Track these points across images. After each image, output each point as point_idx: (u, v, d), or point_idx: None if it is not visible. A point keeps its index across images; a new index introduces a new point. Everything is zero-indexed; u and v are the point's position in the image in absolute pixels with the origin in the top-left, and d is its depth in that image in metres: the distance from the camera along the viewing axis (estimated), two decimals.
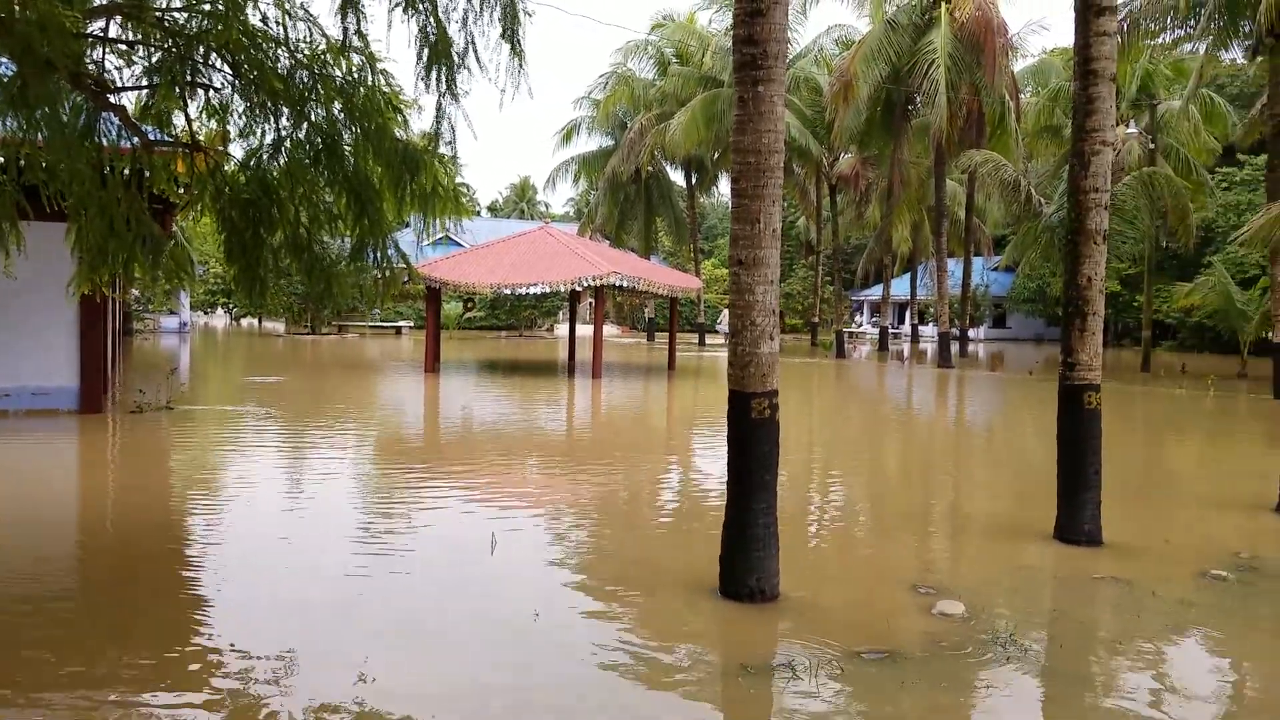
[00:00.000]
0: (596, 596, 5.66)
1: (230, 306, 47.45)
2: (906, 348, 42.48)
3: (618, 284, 20.79)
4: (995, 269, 48.90)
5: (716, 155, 37.64)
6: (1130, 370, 28.03)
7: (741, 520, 5.40)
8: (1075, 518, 6.95)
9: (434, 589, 5.71)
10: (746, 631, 5.09)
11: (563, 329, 44.89)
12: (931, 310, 41.33)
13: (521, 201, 73.71)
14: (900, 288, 49.45)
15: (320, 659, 4.51)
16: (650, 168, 40.27)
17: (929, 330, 45.73)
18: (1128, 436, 14.09)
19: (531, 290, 20.68)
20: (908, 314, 48.67)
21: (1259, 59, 21.99)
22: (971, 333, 42.71)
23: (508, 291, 21.24)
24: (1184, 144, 28.53)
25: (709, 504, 8.30)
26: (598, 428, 14.54)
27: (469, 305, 38.81)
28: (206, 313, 50.45)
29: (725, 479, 5.56)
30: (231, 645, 4.63)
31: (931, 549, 7.19)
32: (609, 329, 50.11)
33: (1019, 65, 31.15)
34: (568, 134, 41.73)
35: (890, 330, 44.45)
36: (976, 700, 4.29)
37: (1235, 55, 25.10)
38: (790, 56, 35.25)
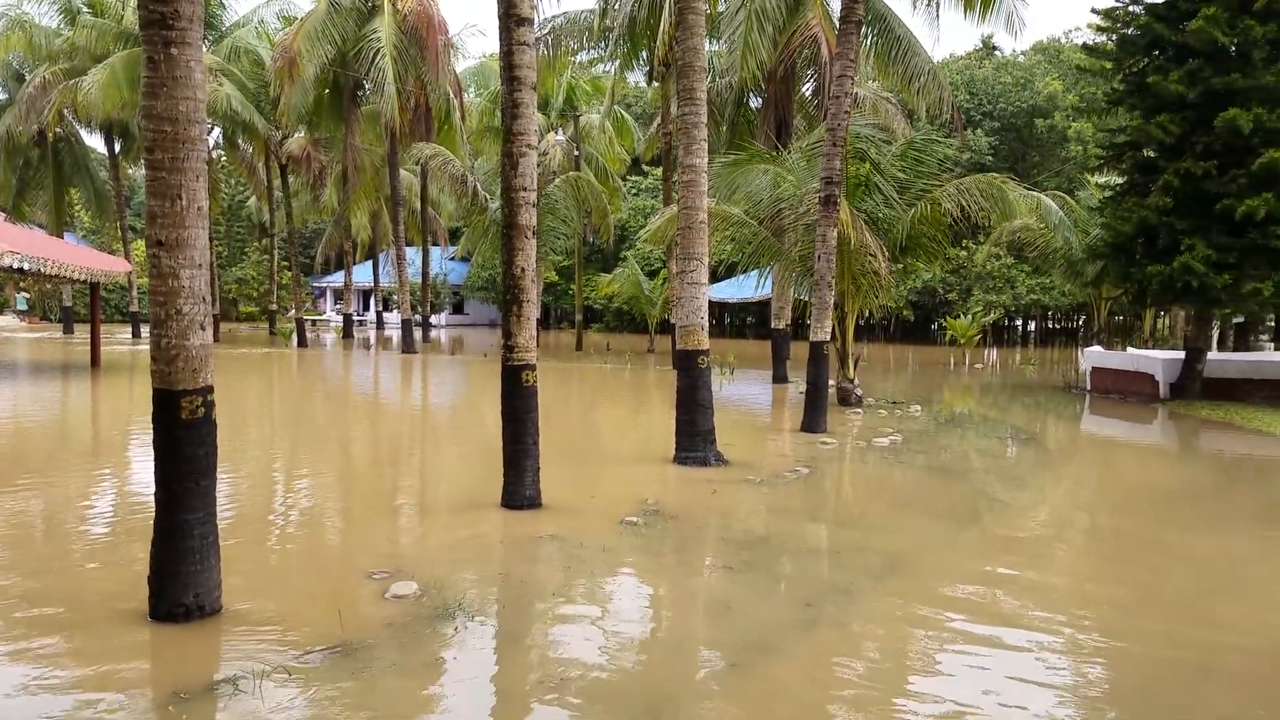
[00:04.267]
0: None
1: None
2: (372, 335, 42.46)
3: (15, 266, 17.24)
4: (452, 258, 51.31)
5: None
6: (567, 350, 31.60)
7: (173, 533, 4.86)
8: (519, 485, 7.61)
9: None
10: (184, 654, 4.60)
11: None
12: (395, 297, 41.80)
13: None
14: (363, 274, 49.16)
15: None
16: (59, 130, 34.12)
17: (393, 317, 46.17)
18: (564, 407, 15.85)
19: None
20: (372, 301, 48.58)
21: (655, 84, 26.24)
22: (433, 319, 44.22)
23: None
24: (602, 153, 32.91)
25: (150, 520, 7.32)
26: None
27: None
28: None
29: None
30: None
31: (389, 533, 7.25)
32: (5, 320, 41.58)
33: (462, 65, 32.89)
34: None
35: (355, 317, 43.96)
36: (430, 675, 4.43)
37: (639, 79, 29.61)
38: (228, 24, 32.69)
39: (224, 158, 39.11)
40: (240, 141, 35.10)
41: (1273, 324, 27.57)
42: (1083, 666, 4.77)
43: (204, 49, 4.86)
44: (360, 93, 30.11)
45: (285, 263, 44.20)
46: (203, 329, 4.90)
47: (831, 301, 13.04)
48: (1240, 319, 24.45)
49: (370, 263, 44.51)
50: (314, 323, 48.71)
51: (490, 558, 6.43)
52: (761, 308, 39.40)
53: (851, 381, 15.93)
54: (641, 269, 34.55)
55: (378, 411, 16.53)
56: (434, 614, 5.07)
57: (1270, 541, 7.57)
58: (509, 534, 6.96)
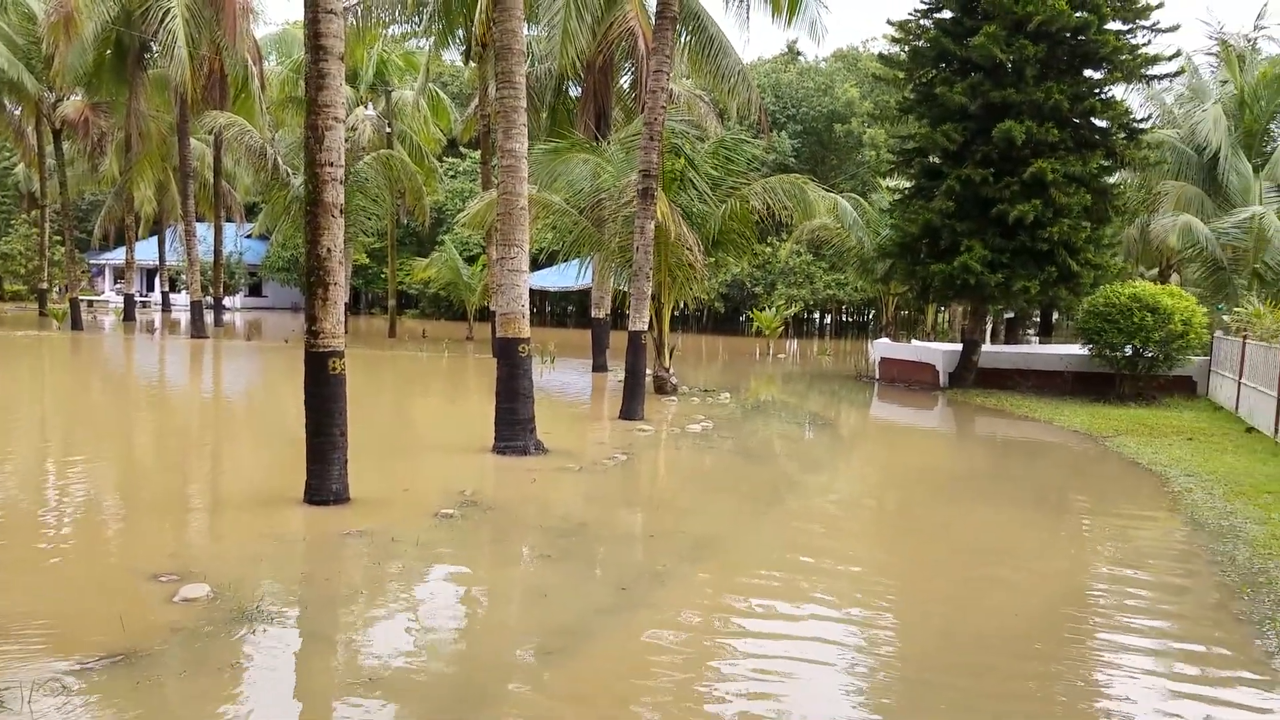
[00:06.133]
0: None
1: None
2: (158, 317, 39.17)
3: None
4: (249, 236, 48.09)
5: None
6: (380, 336, 30.47)
7: None
8: (324, 479, 7.22)
9: None
10: None
11: None
12: (183, 277, 38.72)
13: None
14: (147, 251, 45.18)
15: None
16: None
17: (182, 298, 42.73)
18: (377, 396, 15.27)
19: None
20: (157, 280, 44.73)
21: (473, 64, 25.63)
22: (227, 301, 41.21)
23: None
24: (416, 132, 31.86)
25: None
26: None
27: None
28: None
29: None
30: None
31: (178, 533, 6.72)
32: None
33: (262, 31, 30.94)
34: None
35: (138, 298, 40.41)
36: (224, 681, 4.13)
37: (455, 57, 28.82)
38: None
39: None
40: (6, 102, 31.48)
41: (1038, 319, 30.60)
42: (877, 633, 5.12)
43: None
44: (147, 55, 27.64)
45: (58, 237, 39.88)
46: None
47: (649, 292, 13.28)
48: (1011, 314, 27.01)
49: (155, 239, 40.87)
50: (91, 303, 44.38)
51: (292, 556, 6.09)
52: (582, 297, 39.57)
53: (667, 370, 16.31)
54: (460, 254, 33.76)
55: (164, 401, 15.26)
56: (229, 617, 4.75)
57: (1036, 513, 8.42)
58: (313, 531, 6.62)
